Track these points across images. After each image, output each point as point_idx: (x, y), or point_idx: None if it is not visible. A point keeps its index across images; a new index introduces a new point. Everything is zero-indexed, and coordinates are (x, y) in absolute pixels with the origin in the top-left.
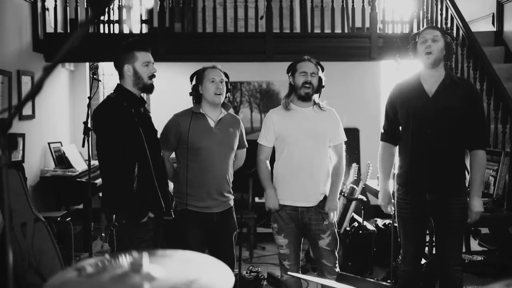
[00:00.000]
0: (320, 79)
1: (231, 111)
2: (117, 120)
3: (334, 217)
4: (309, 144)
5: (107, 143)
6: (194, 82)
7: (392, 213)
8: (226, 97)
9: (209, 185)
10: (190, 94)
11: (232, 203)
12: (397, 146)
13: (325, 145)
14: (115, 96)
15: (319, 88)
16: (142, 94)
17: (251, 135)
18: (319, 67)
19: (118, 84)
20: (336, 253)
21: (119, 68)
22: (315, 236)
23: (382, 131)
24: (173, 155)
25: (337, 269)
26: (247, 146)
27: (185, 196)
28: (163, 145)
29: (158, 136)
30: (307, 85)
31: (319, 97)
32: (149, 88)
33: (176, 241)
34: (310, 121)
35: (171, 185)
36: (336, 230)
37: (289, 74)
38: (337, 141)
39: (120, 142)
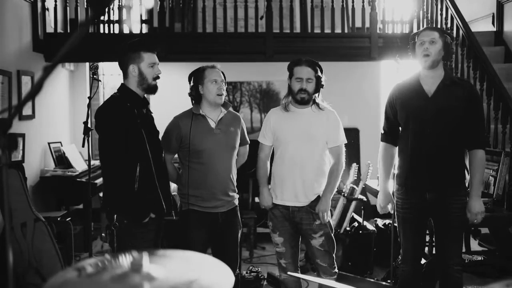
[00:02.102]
0: (318, 80)
1: (231, 109)
2: (120, 120)
3: (326, 218)
4: (301, 145)
5: (109, 143)
6: (192, 83)
7: (391, 212)
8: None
9: (214, 185)
10: (189, 94)
11: (236, 202)
12: (397, 147)
13: (320, 147)
14: (119, 96)
15: (317, 88)
16: (144, 95)
17: (251, 135)
18: (317, 68)
19: (122, 83)
20: (332, 254)
21: (124, 67)
22: (307, 236)
23: (382, 131)
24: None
25: (335, 270)
26: (249, 142)
27: (187, 196)
28: (165, 148)
29: (160, 137)
30: (302, 92)
31: (318, 96)
32: (152, 89)
33: (179, 241)
34: (305, 123)
35: (173, 186)
36: (332, 231)
37: (288, 76)
38: (334, 143)
39: (122, 142)
